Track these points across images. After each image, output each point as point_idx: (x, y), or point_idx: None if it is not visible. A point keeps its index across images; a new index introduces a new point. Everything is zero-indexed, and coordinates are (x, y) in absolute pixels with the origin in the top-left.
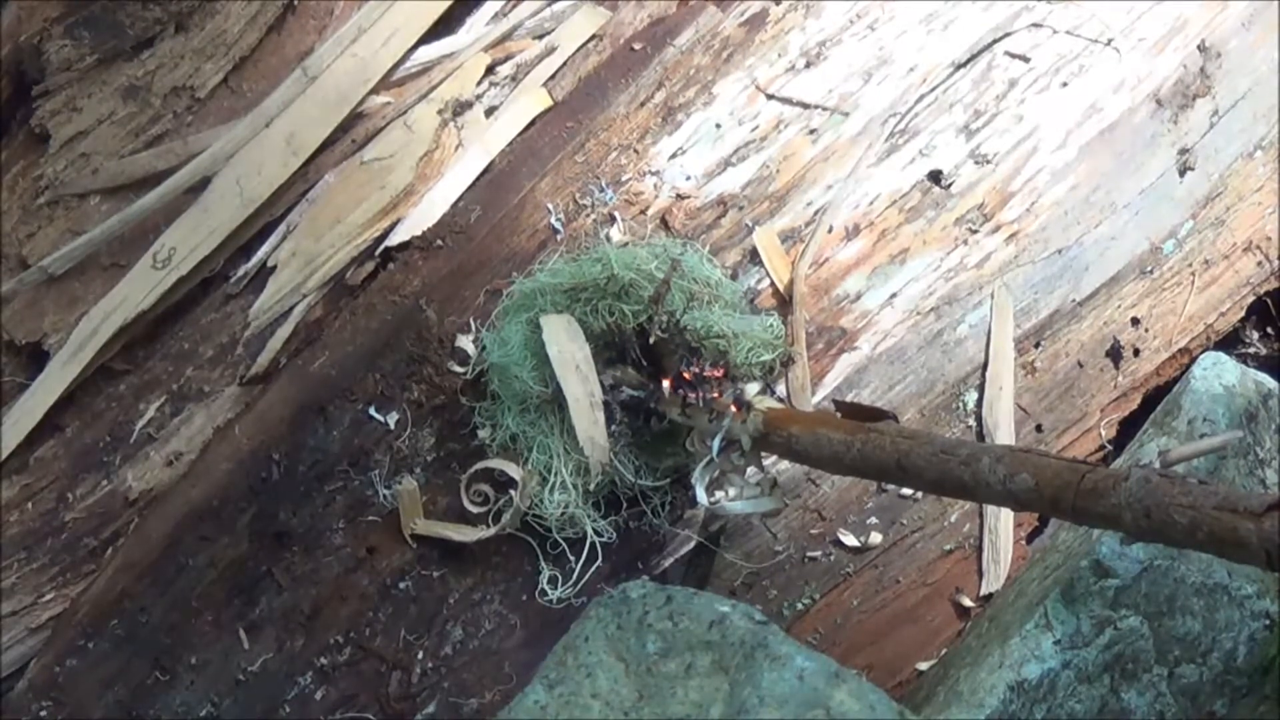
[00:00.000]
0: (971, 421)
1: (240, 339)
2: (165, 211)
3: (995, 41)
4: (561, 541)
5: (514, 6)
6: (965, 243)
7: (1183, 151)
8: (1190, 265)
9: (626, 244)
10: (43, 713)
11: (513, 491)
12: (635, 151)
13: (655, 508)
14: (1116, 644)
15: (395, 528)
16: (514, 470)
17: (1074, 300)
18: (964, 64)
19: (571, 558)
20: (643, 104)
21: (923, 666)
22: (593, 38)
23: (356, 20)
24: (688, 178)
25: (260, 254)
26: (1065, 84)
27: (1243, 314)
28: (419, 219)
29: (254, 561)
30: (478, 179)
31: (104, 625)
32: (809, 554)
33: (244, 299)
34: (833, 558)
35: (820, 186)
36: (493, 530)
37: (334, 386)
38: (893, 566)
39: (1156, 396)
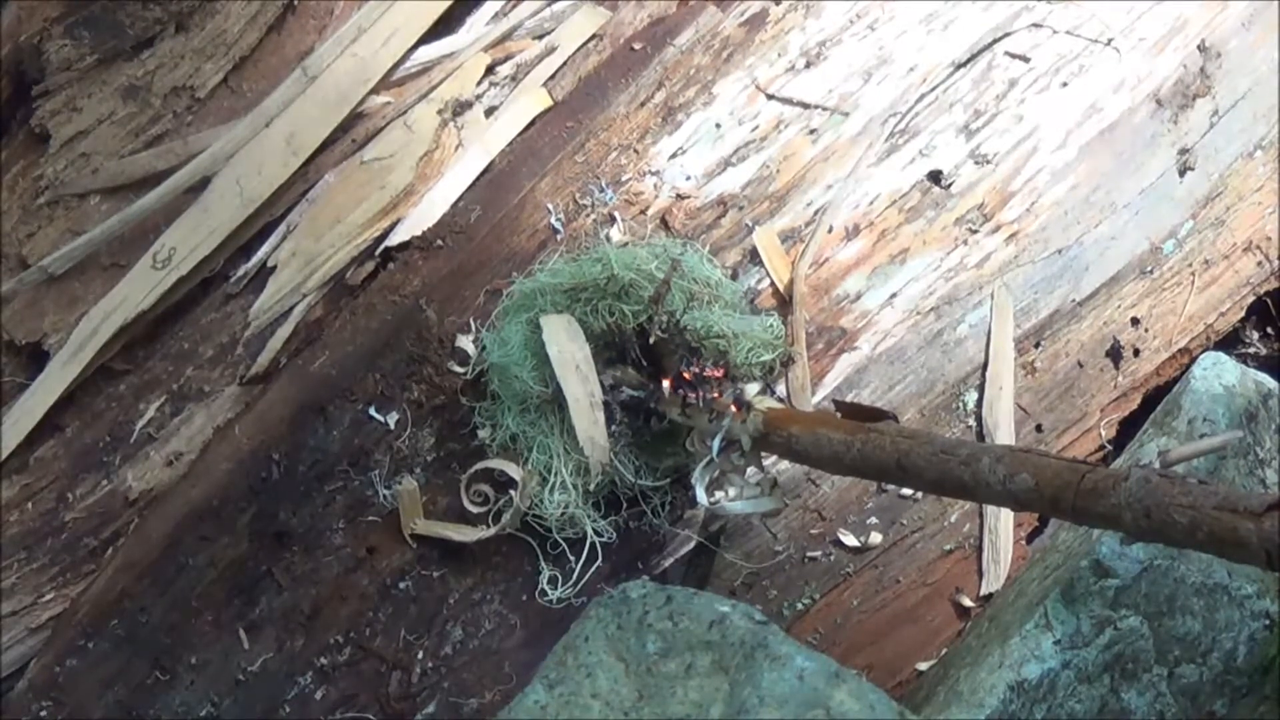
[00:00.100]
0: (971, 421)
1: (240, 339)
2: (165, 211)
3: (995, 41)
4: (561, 541)
5: (514, 6)
6: (965, 243)
7: (1183, 151)
8: (1190, 265)
9: (626, 244)
10: (43, 713)
11: (513, 491)
12: (635, 151)
13: (655, 508)
14: (1116, 644)
15: (395, 528)
16: (514, 470)
17: (1074, 300)
18: (964, 64)
19: (571, 558)
20: (643, 104)
21: (923, 666)
22: (593, 38)
23: (356, 20)
24: (688, 178)
25: (260, 254)
26: (1065, 84)
27: (1243, 314)
28: (419, 219)
29: (254, 561)
30: (478, 179)
31: (104, 625)
32: (809, 554)
33: (244, 299)
34: (833, 558)
35: (820, 186)
36: (493, 530)
37: (334, 386)
38: (893, 566)
39: (1156, 396)
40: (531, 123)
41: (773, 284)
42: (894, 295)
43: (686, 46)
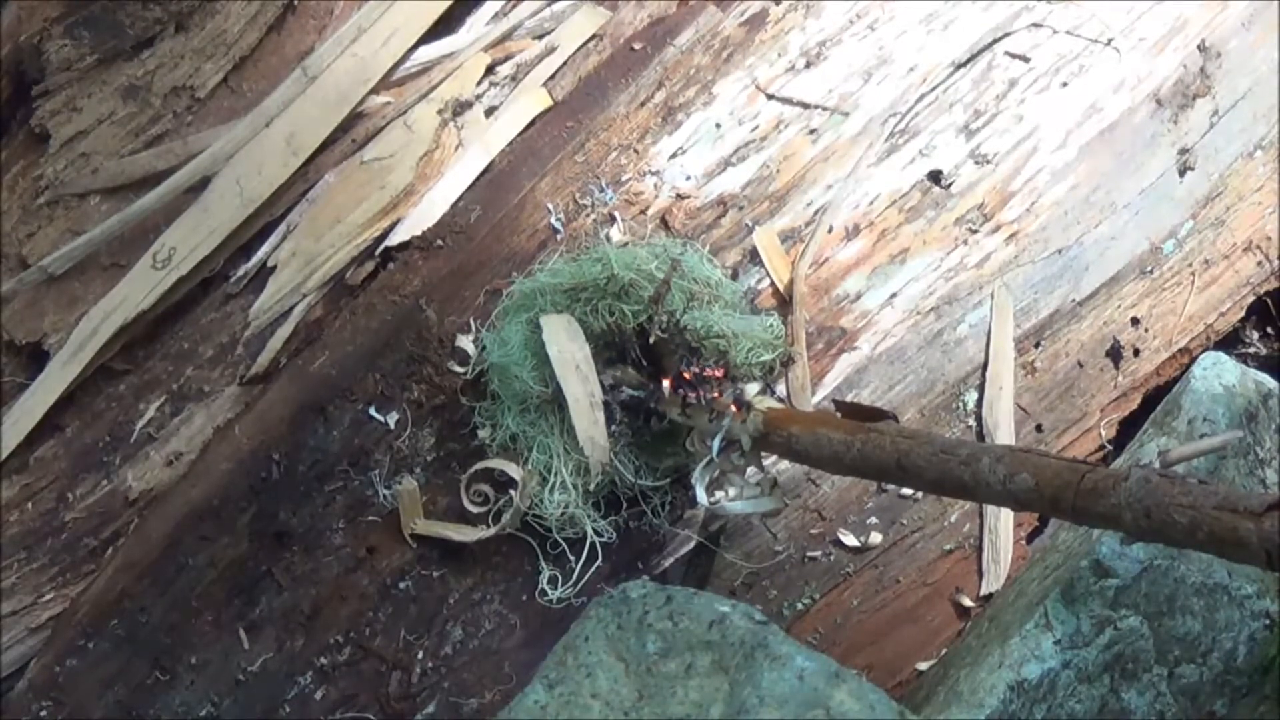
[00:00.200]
0: (971, 421)
1: (240, 339)
2: (165, 211)
3: (995, 41)
4: (561, 541)
5: (514, 6)
6: (965, 243)
7: (1183, 151)
8: (1190, 265)
9: (626, 244)
10: (43, 713)
11: (513, 491)
12: (635, 151)
13: (655, 508)
14: (1116, 644)
15: (395, 528)
16: (514, 470)
17: (1074, 300)
18: (964, 64)
19: (571, 558)
20: (643, 104)
21: (923, 666)
22: (593, 38)
23: (356, 20)
24: (688, 178)
25: (260, 254)
26: (1065, 84)
27: (1243, 314)
28: (419, 219)
29: (254, 561)
30: (478, 179)
31: (104, 625)
32: (809, 554)
33: (244, 299)
34: (833, 558)
35: (820, 186)
36: (493, 530)
37: (334, 386)
38: (893, 566)
39: (1156, 396)
40: (531, 123)
41: (773, 284)
42: (894, 295)
43: (686, 46)
